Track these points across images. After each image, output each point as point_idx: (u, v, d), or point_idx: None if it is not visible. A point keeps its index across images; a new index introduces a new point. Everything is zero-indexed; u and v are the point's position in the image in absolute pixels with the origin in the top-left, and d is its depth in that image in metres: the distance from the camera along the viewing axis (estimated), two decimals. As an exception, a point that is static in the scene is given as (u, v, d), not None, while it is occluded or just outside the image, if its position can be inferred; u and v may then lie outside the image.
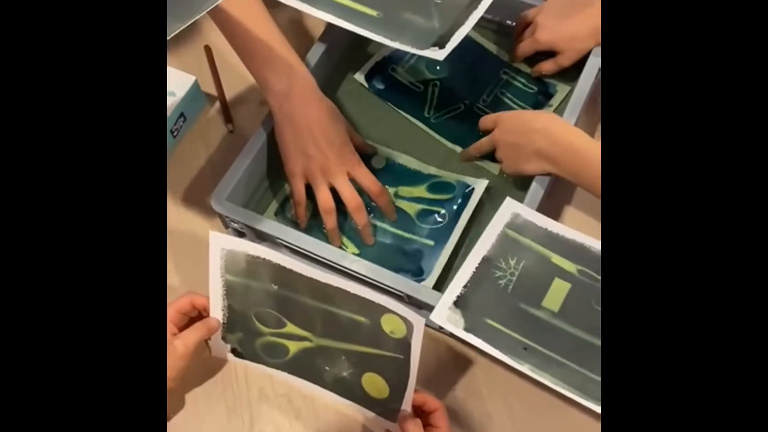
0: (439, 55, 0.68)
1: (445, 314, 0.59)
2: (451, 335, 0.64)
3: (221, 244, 0.60)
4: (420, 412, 0.59)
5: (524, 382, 0.64)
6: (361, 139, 0.74)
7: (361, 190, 0.70)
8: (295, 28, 0.86)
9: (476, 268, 0.61)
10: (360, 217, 0.68)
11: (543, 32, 0.74)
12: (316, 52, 0.76)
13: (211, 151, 0.79)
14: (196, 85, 0.78)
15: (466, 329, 0.59)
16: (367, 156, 0.75)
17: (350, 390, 0.61)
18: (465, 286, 0.60)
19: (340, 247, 0.69)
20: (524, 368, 0.57)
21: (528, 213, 0.64)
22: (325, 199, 0.68)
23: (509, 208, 0.64)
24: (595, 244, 0.61)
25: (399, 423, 0.58)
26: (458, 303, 0.60)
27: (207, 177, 0.75)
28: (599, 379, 0.56)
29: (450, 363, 0.66)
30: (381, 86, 0.79)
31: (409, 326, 0.55)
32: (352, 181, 0.69)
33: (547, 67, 0.76)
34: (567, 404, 0.62)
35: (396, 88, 0.79)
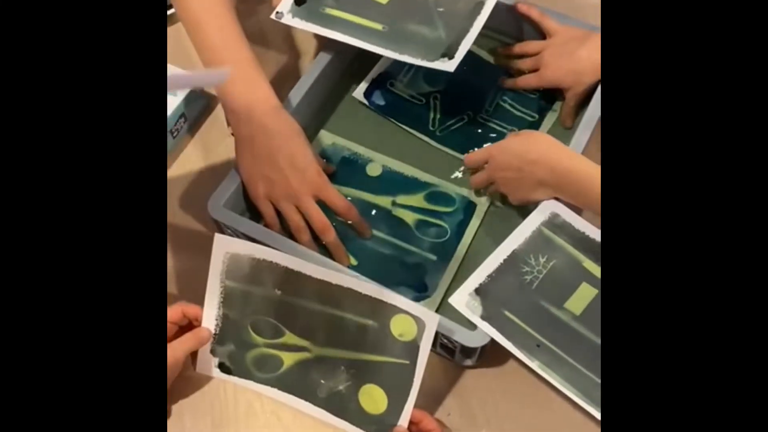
0: (449, 66, 0.69)
1: (465, 300, 0.60)
2: (449, 351, 0.63)
3: (225, 247, 0.60)
4: None
5: (523, 410, 0.63)
6: (323, 163, 0.71)
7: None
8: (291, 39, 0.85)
9: (504, 261, 0.62)
10: (328, 236, 0.67)
11: (548, 70, 0.75)
12: (320, 62, 0.76)
13: (212, 154, 0.78)
14: (199, 85, 0.76)
15: (483, 317, 0.60)
16: (362, 164, 0.74)
17: (344, 406, 0.60)
18: (489, 276, 0.62)
19: None
20: (533, 364, 0.58)
21: (567, 215, 0.64)
22: (293, 219, 0.67)
23: (549, 206, 0.64)
24: None
25: None
26: (479, 291, 0.61)
27: (207, 180, 0.74)
28: None
29: (445, 388, 0.64)
30: (381, 102, 0.78)
31: (421, 326, 0.56)
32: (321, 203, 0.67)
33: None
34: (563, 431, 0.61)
35: (397, 103, 0.79)
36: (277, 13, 0.73)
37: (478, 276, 0.62)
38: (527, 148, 0.64)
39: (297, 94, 0.73)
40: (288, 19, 0.73)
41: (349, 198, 0.71)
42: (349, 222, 0.69)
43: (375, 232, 0.70)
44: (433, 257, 0.69)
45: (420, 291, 0.67)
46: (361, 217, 0.69)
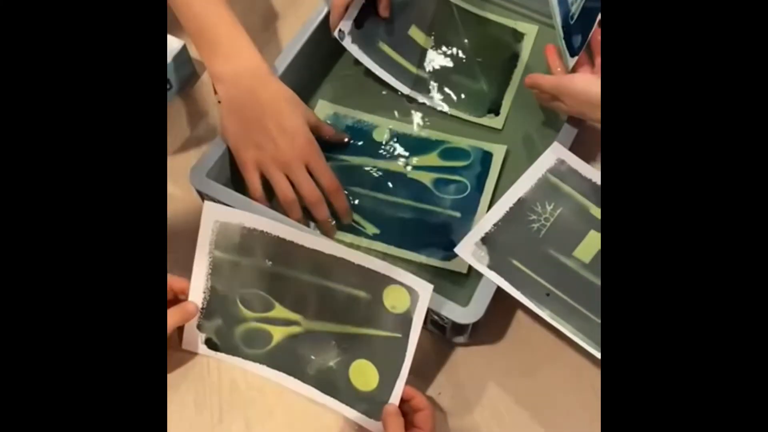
0: (496, 123, 0.73)
1: (471, 249, 0.60)
2: (438, 330, 0.62)
3: (215, 215, 0.59)
4: (405, 411, 0.57)
5: (514, 390, 0.62)
6: (330, 129, 0.71)
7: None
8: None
9: (510, 209, 0.62)
10: (319, 212, 0.66)
11: None
12: (309, 26, 0.73)
13: (197, 122, 0.76)
14: (184, 51, 0.76)
15: (490, 266, 0.59)
16: (368, 130, 0.73)
17: (334, 383, 0.60)
18: (495, 225, 0.61)
19: (357, 227, 0.67)
20: (544, 314, 0.58)
21: (574, 161, 0.64)
22: (283, 189, 0.65)
23: (555, 152, 0.64)
24: None
25: (383, 417, 0.57)
26: (485, 240, 0.60)
27: (191, 150, 0.71)
28: None
29: (436, 366, 0.64)
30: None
31: (414, 297, 0.55)
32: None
33: None
34: (559, 414, 0.61)
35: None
36: (340, 31, 0.73)
37: (484, 225, 0.61)
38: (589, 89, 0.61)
39: (284, 59, 0.70)
40: (347, 43, 0.73)
41: (362, 167, 0.70)
42: (333, 205, 0.67)
43: (394, 198, 0.70)
44: (457, 214, 0.68)
45: (448, 249, 0.65)
46: (347, 203, 0.67)
